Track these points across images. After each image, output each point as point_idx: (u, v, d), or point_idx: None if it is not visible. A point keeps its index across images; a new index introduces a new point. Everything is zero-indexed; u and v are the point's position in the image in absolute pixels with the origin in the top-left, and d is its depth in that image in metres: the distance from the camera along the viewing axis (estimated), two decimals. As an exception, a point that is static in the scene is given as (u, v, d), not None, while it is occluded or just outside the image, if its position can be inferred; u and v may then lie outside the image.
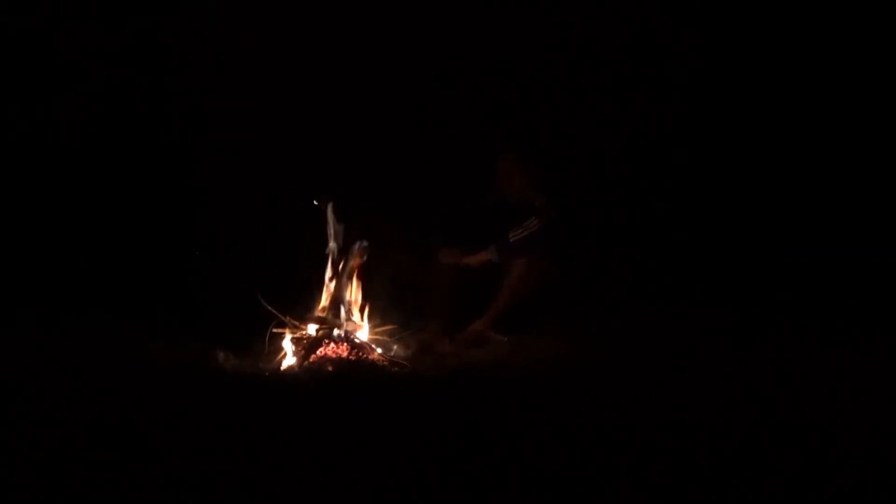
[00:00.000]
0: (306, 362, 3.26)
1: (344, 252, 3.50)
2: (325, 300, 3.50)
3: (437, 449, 2.26)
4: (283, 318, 3.46)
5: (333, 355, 3.31)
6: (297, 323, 3.46)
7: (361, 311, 3.55)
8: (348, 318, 3.47)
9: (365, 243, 3.50)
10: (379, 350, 3.45)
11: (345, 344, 3.36)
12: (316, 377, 3.13)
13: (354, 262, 3.50)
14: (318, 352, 3.32)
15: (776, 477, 2.08)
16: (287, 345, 3.38)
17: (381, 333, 3.58)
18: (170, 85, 4.60)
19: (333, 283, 3.48)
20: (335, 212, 3.51)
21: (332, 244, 3.50)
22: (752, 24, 4.54)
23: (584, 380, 2.96)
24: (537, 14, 4.60)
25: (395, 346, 3.57)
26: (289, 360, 3.31)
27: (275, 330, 3.44)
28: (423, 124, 4.56)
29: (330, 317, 3.47)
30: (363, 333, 3.50)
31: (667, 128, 4.53)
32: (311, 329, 3.44)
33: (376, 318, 3.58)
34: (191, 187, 4.55)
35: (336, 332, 3.42)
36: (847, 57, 4.51)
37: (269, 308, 3.44)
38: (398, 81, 4.60)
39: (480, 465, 2.15)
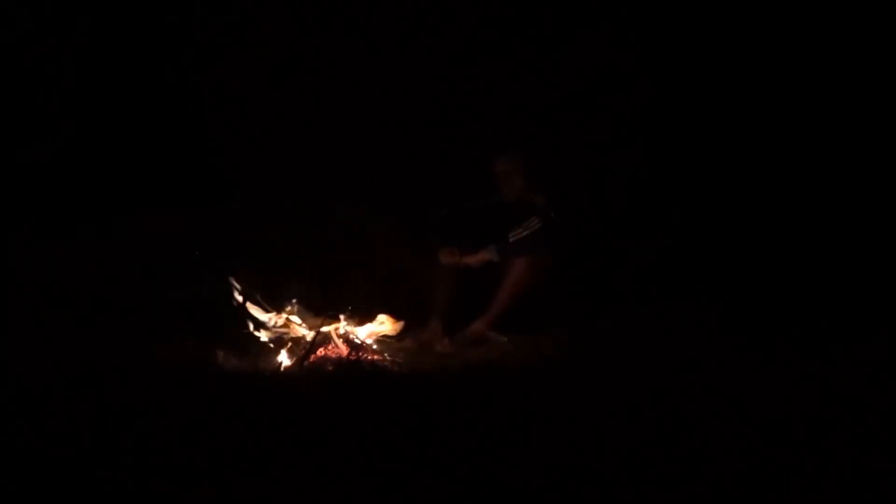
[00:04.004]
0: (306, 362, 3.26)
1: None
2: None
3: (437, 449, 2.26)
4: (283, 318, 3.46)
5: (333, 355, 3.31)
6: (296, 323, 3.47)
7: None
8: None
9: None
10: (379, 350, 3.45)
11: (345, 344, 3.36)
12: (316, 377, 3.13)
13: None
14: (318, 352, 3.32)
15: (769, 477, 2.08)
16: (286, 345, 3.39)
17: (381, 333, 3.58)
18: (168, 83, 4.60)
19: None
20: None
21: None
22: (758, 20, 4.53)
23: (584, 380, 2.96)
24: (537, 13, 4.60)
25: (394, 346, 3.57)
26: (288, 361, 3.31)
27: (275, 330, 3.45)
28: (423, 124, 4.56)
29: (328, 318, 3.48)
30: (363, 333, 3.50)
31: (666, 127, 4.53)
32: (311, 329, 3.44)
33: (376, 318, 3.58)
34: (190, 187, 4.54)
35: (336, 332, 3.42)
36: (845, 57, 4.51)
37: (269, 308, 3.45)
38: (399, 81, 4.60)
39: (480, 464, 2.15)
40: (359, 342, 3.41)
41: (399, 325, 3.54)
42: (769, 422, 2.45)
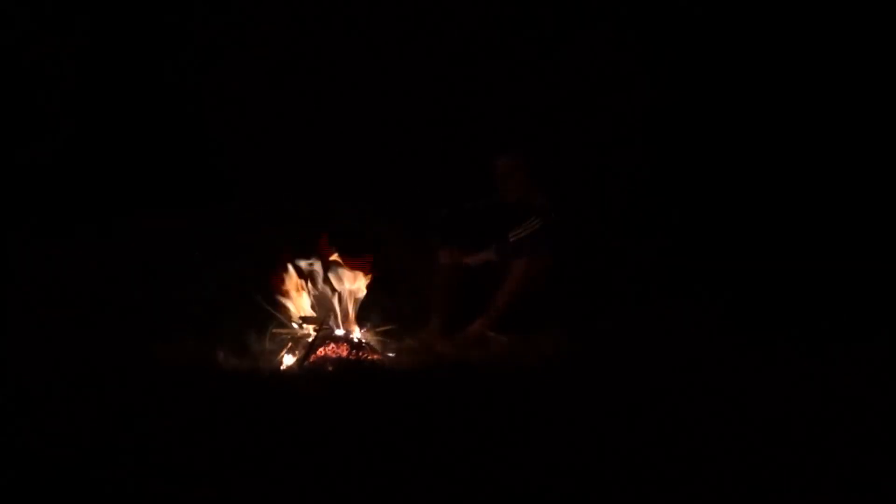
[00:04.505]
0: (306, 362, 3.26)
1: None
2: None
3: (437, 449, 2.26)
4: (282, 319, 3.46)
5: (333, 355, 3.31)
6: (297, 323, 3.47)
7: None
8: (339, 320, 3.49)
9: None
10: (379, 350, 3.45)
11: (345, 344, 3.36)
12: (316, 377, 3.13)
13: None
14: (318, 352, 3.32)
15: (769, 477, 2.08)
16: (287, 345, 3.39)
17: (381, 333, 3.58)
18: (168, 83, 4.61)
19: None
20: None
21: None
22: (758, 20, 4.53)
23: (584, 380, 2.96)
24: (537, 13, 4.61)
25: (395, 346, 3.57)
26: (288, 360, 3.32)
27: (275, 330, 3.45)
28: (423, 124, 4.56)
29: (327, 318, 3.48)
30: (363, 333, 3.50)
31: (666, 127, 4.53)
32: (310, 330, 3.44)
33: (376, 318, 3.59)
34: (190, 187, 4.55)
35: (336, 332, 3.42)
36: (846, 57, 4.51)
37: (269, 308, 3.45)
38: (399, 81, 4.60)
39: (480, 464, 2.15)
40: (359, 342, 3.41)
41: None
42: (769, 422, 2.45)
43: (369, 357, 3.34)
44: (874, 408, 2.54)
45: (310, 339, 3.37)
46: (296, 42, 4.59)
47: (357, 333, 3.48)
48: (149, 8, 4.58)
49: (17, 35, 4.38)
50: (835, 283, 4.04)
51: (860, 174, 4.48)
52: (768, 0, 4.54)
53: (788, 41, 4.53)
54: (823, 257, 4.24)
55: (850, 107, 4.50)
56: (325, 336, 3.38)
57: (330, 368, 3.21)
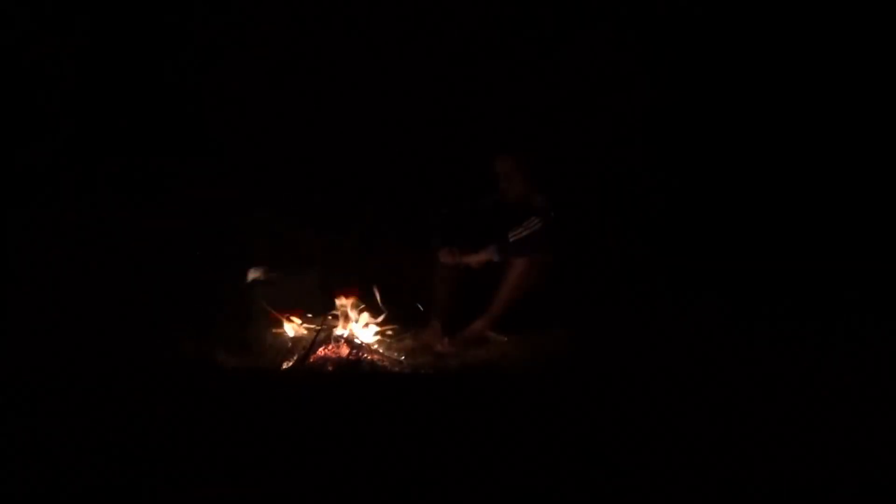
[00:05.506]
0: (306, 362, 3.26)
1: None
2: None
3: (437, 449, 2.26)
4: (283, 319, 3.47)
5: (333, 355, 3.31)
6: (298, 323, 3.47)
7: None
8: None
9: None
10: (379, 350, 3.45)
11: (345, 344, 3.36)
12: (316, 377, 3.13)
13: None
14: (318, 352, 3.32)
15: (769, 477, 2.08)
16: (287, 344, 3.39)
17: (382, 333, 3.58)
18: (169, 83, 4.61)
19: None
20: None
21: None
22: (758, 19, 4.53)
23: (584, 380, 2.96)
24: (537, 13, 4.60)
25: (394, 346, 3.57)
26: (289, 360, 3.32)
27: (275, 330, 3.45)
28: (423, 124, 4.56)
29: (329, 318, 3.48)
30: (363, 333, 3.50)
31: (667, 127, 4.53)
32: (310, 330, 3.45)
33: (376, 318, 3.59)
34: (190, 187, 4.55)
35: (336, 332, 3.43)
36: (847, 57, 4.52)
37: (269, 308, 3.45)
38: (399, 81, 4.60)
39: (480, 464, 2.15)
40: (359, 342, 3.42)
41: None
42: (769, 422, 2.45)
43: (369, 357, 3.34)
44: (874, 408, 2.54)
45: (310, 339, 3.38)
46: (296, 42, 4.59)
47: (361, 334, 3.48)
48: (149, 8, 4.58)
49: (17, 35, 4.38)
50: (835, 283, 4.04)
51: (860, 174, 4.48)
52: (768, 0, 4.54)
53: (788, 41, 4.53)
54: (823, 257, 4.23)
55: (850, 107, 4.50)
56: (325, 336, 3.39)
57: (330, 368, 3.22)
